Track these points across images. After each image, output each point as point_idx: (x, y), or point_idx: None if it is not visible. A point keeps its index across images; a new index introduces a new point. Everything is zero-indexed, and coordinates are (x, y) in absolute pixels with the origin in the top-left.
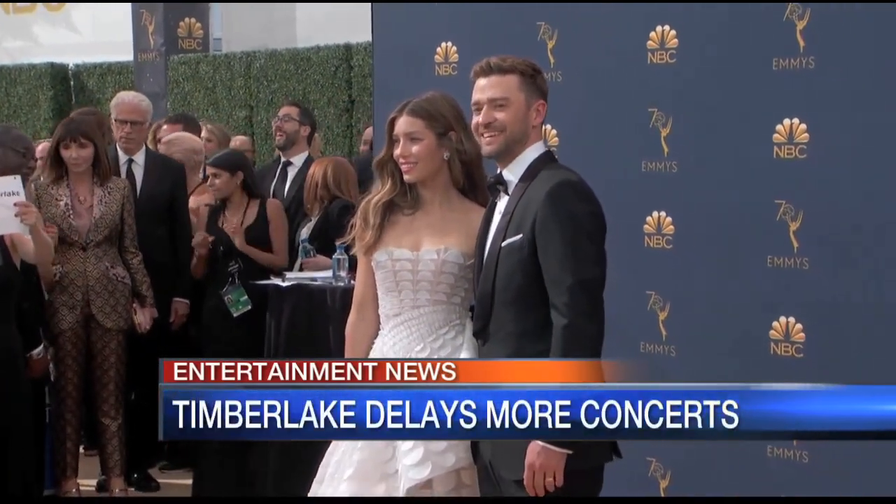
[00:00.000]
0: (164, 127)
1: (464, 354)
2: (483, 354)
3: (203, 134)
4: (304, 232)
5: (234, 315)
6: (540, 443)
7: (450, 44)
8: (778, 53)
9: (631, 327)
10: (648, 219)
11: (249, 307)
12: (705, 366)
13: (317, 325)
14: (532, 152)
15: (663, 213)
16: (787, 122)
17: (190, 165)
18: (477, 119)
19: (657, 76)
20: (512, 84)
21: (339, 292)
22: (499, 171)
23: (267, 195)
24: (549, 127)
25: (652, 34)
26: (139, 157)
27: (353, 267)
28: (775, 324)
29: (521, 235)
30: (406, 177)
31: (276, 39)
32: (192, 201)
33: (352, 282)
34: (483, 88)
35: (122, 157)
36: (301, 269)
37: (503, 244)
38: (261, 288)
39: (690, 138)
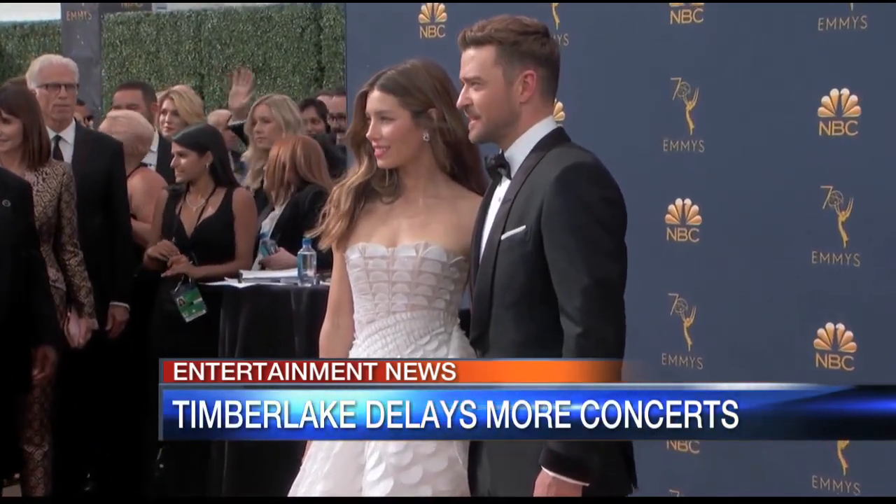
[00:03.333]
0: (117, 93)
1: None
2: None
3: (165, 104)
4: (266, 224)
5: (187, 320)
6: (550, 474)
7: (436, 1)
8: (825, 12)
9: (650, 336)
10: (671, 208)
11: (204, 311)
12: (737, 381)
13: (279, 334)
14: (539, 129)
15: (688, 201)
16: (834, 92)
17: (129, 152)
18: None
19: (681, 38)
20: (487, 59)
21: (306, 295)
22: (500, 152)
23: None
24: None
25: None
26: (68, 134)
27: (322, 265)
28: (821, 331)
29: (524, 227)
30: (379, 162)
31: None
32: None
33: (321, 282)
34: (463, 64)
35: (49, 134)
36: (262, 269)
37: (503, 237)
38: (214, 290)
39: (720, 112)
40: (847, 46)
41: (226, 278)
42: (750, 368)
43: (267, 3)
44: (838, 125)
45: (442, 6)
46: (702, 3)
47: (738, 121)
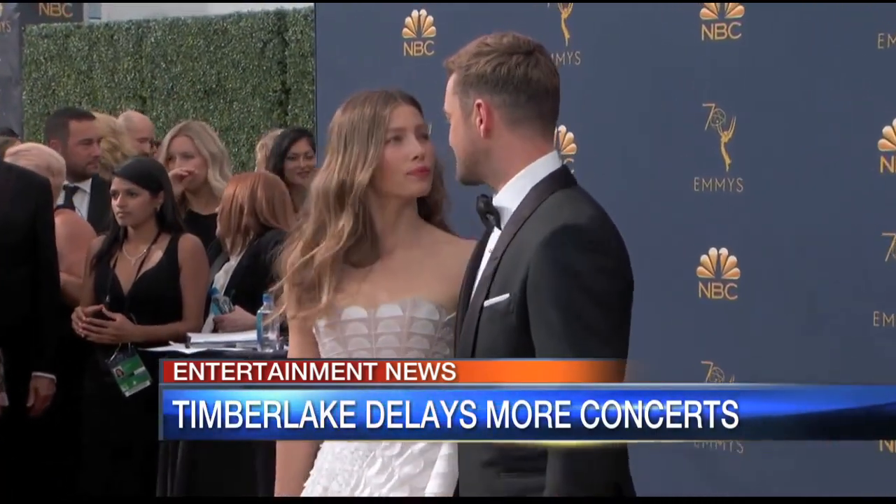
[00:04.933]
0: (86, 122)
1: (446, 450)
2: (462, 455)
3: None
4: (220, 277)
5: (127, 394)
6: None
7: (423, 12)
8: (886, 27)
9: None
10: (704, 258)
11: (148, 383)
12: (786, 465)
13: None
14: (533, 171)
15: (724, 251)
16: None
17: None
18: None
19: (715, 58)
20: (448, 89)
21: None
22: (492, 195)
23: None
24: (562, 129)
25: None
26: None
27: (286, 326)
28: None
29: (507, 296)
30: (421, 185)
31: (179, 4)
32: None
33: (284, 347)
34: None
35: None
36: (214, 330)
37: (485, 303)
38: (156, 357)
39: (761, 146)
40: None
41: (171, 342)
42: (801, 451)
43: (221, 13)
44: None
45: (430, 18)
46: (739, 15)
47: (782, 155)
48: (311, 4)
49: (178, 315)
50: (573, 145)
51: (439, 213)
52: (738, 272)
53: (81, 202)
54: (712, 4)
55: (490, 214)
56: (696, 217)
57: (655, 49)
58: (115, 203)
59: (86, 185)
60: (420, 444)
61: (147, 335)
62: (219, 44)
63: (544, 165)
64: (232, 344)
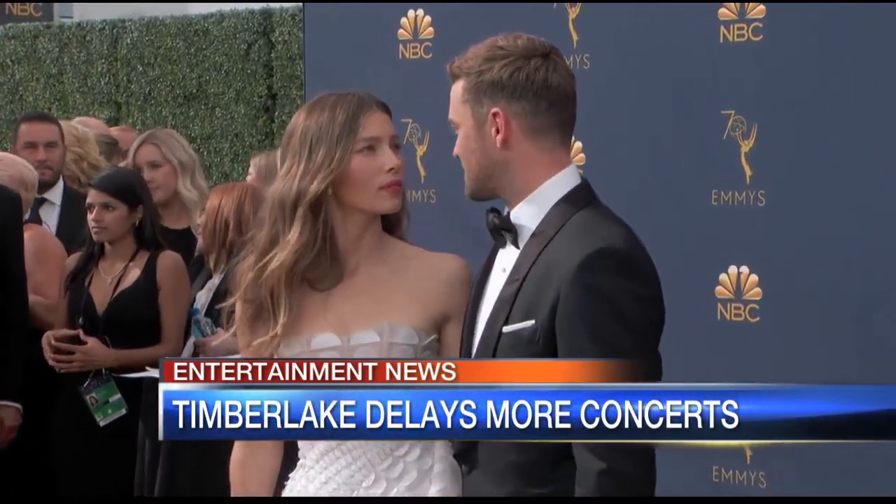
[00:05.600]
0: (39, 125)
1: (434, 489)
2: (468, 485)
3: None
4: (202, 297)
5: (101, 423)
6: None
7: (420, 12)
8: None
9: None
10: (723, 277)
11: (124, 411)
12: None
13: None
14: (553, 187)
15: (745, 269)
16: None
17: None
18: None
19: (735, 61)
20: (456, 96)
21: None
22: (506, 210)
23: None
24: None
25: None
26: None
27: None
28: None
29: (532, 322)
30: (394, 202)
31: (157, 3)
32: None
33: None
34: None
35: None
36: (195, 353)
37: (505, 329)
38: (132, 383)
39: (784, 155)
40: None
41: (147, 368)
42: (827, 489)
43: (202, 12)
44: None
45: (428, 18)
46: (761, 15)
47: (807, 166)
48: (300, 3)
49: (156, 338)
50: (581, 155)
51: (401, 227)
52: (759, 292)
53: (50, 215)
54: (731, 4)
55: (505, 231)
56: (714, 233)
57: (670, 52)
58: (90, 217)
59: (54, 197)
60: (412, 456)
61: (122, 360)
62: (200, 45)
63: (566, 180)
64: None
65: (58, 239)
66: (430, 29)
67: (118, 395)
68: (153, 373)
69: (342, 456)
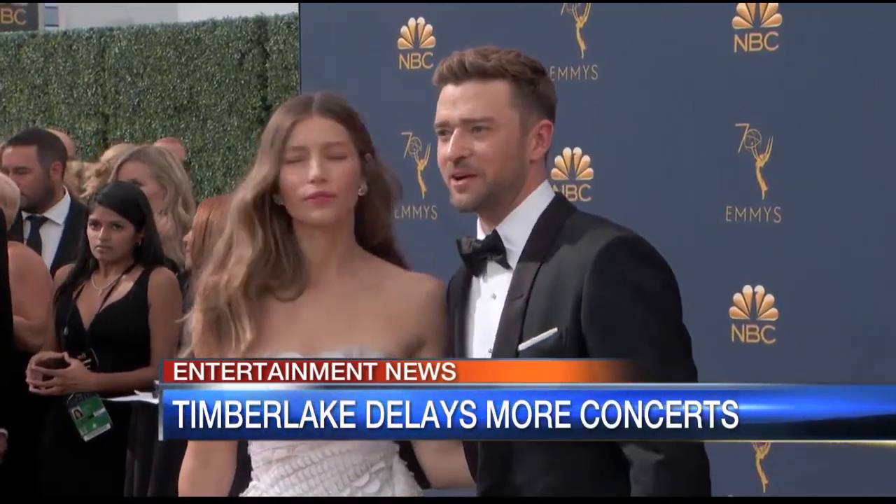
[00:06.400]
0: (9, 150)
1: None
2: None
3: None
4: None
5: (86, 438)
6: None
7: (422, 20)
8: None
9: (716, 468)
10: (737, 297)
11: (108, 426)
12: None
13: None
14: (538, 199)
15: (760, 289)
16: None
17: None
18: (443, 150)
19: (750, 72)
20: (501, 96)
21: None
22: (483, 233)
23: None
24: (577, 152)
25: (741, 6)
26: None
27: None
28: None
29: (555, 330)
30: (318, 213)
31: (147, 10)
32: None
33: None
34: (453, 101)
35: None
36: None
37: (522, 347)
38: (120, 406)
39: (801, 170)
40: None
41: (136, 392)
42: None
43: (193, 20)
44: None
45: (429, 27)
46: (776, 24)
47: (825, 182)
48: (295, 11)
49: (144, 354)
50: (589, 170)
51: (377, 240)
52: (775, 312)
53: (50, 235)
54: (746, 12)
55: (492, 252)
56: (728, 251)
57: (682, 62)
58: (95, 235)
59: (56, 216)
60: (372, 489)
61: (104, 384)
62: (191, 55)
63: (545, 193)
64: None
65: (41, 258)
66: (432, 38)
67: (103, 410)
68: (143, 396)
69: (298, 483)
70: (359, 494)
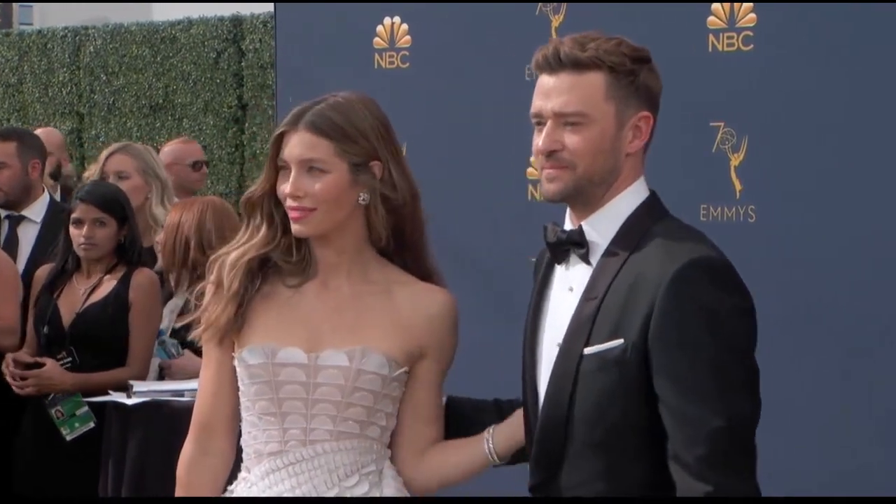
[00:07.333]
0: None
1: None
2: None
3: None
4: (165, 317)
5: (68, 438)
6: None
7: (397, 19)
8: None
9: None
10: None
11: (92, 424)
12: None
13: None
14: (630, 197)
15: None
16: None
17: None
18: (537, 141)
19: (724, 71)
20: (596, 88)
21: None
22: (571, 224)
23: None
24: None
25: (715, 6)
26: None
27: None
28: None
29: (621, 341)
30: (295, 227)
31: (122, 9)
32: None
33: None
34: (547, 93)
35: None
36: (161, 375)
37: (587, 351)
38: (95, 407)
39: (776, 169)
40: None
41: (110, 392)
42: None
43: (169, 19)
44: None
45: (405, 26)
46: (751, 24)
47: (799, 180)
48: (271, 10)
49: (123, 354)
50: None
51: (412, 253)
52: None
53: (28, 234)
54: (721, 12)
55: (576, 246)
56: None
57: (657, 61)
58: (79, 233)
59: (33, 214)
60: (360, 490)
61: (80, 384)
62: (166, 53)
63: (638, 191)
64: (180, 393)
65: (9, 258)
66: (408, 37)
67: (86, 408)
68: (117, 397)
69: (288, 478)
70: (347, 494)
